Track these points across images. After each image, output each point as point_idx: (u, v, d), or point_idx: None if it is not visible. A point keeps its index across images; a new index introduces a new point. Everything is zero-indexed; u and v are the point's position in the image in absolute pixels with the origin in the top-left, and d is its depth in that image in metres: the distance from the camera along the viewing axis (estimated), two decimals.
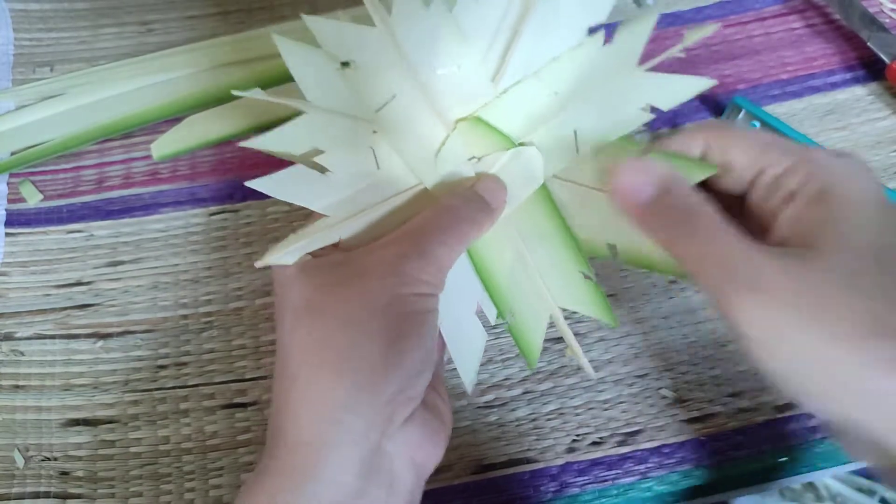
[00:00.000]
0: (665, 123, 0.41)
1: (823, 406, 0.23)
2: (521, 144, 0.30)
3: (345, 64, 0.27)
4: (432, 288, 0.26)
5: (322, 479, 0.23)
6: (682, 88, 0.28)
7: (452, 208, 0.28)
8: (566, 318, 0.30)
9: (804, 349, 0.22)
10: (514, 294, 0.30)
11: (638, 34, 0.28)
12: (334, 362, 0.24)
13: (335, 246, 0.28)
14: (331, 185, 0.28)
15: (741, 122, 0.40)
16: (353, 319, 0.25)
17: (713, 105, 0.42)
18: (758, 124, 0.40)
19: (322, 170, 0.28)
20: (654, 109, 0.28)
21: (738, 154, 0.26)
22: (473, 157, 0.30)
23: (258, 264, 0.27)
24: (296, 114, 0.27)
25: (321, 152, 0.28)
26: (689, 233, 0.24)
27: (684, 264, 0.24)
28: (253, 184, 0.27)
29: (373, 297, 0.25)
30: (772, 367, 0.23)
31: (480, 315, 0.31)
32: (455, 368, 0.30)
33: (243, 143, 0.27)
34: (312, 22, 0.27)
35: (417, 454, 0.26)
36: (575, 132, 0.29)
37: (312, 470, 0.23)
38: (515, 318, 0.30)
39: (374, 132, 0.29)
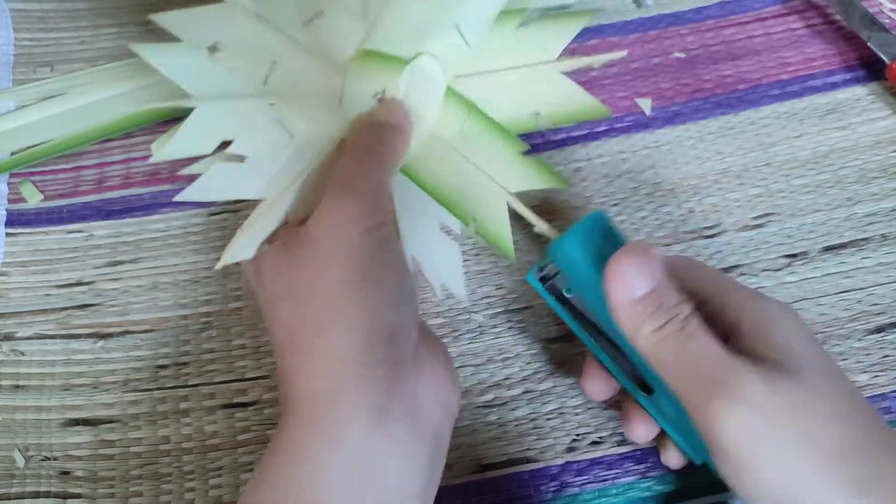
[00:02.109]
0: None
1: None
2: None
3: (212, 48, 0.27)
4: (377, 220, 0.26)
5: (337, 425, 0.23)
6: None
7: (359, 144, 0.28)
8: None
9: (788, 468, 0.22)
10: (467, 199, 0.31)
11: None
12: (322, 335, 0.24)
13: (286, 225, 0.28)
14: (254, 169, 0.28)
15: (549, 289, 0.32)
16: (321, 287, 0.25)
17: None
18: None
19: (240, 158, 0.28)
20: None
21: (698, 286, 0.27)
22: (376, 94, 0.30)
23: (218, 266, 0.27)
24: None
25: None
26: (677, 337, 0.24)
27: (665, 366, 0.24)
28: (182, 196, 0.27)
29: (329, 256, 0.25)
30: (747, 482, 0.23)
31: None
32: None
33: (153, 160, 0.27)
34: (161, 19, 0.25)
35: (440, 389, 0.26)
36: (457, 27, 0.29)
37: (325, 419, 0.23)
38: (478, 221, 0.31)
39: (272, 104, 0.28)
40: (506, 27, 0.30)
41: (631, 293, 0.24)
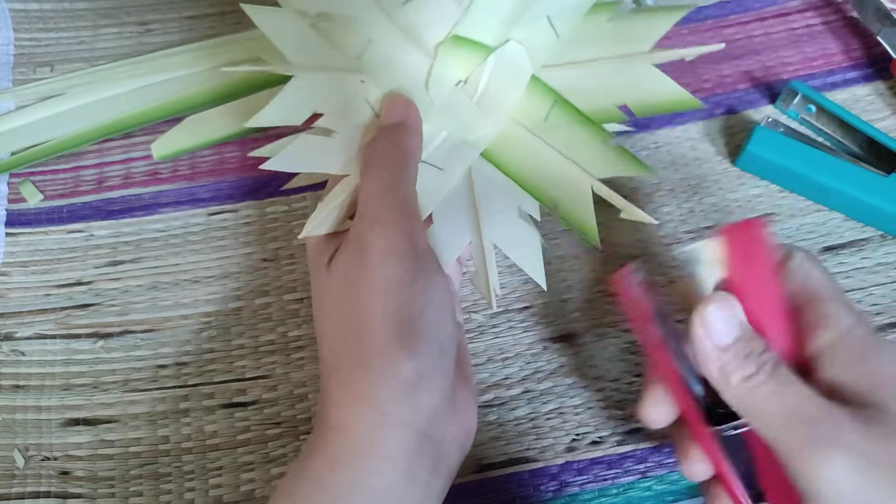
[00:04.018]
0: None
1: None
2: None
3: (318, 17, 0.28)
4: (413, 250, 0.26)
5: (369, 466, 0.25)
6: None
7: (374, 157, 0.28)
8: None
9: None
10: (550, 184, 0.31)
11: None
12: (362, 373, 0.25)
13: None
14: (339, 144, 0.29)
15: (796, 106, 0.40)
16: (362, 310, 0.26)
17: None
18: (813, 108, 0.40)
19: (327, 132, 0.28)
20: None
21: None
22: (459, 81, 0.30)
23: (300, 237, 0.29)
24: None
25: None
26: (768, 384, 0.24)
27: (757, 414, 0.24)
28: (268, 165, 0.28)
29: (374, 293, 0.26)
30: None
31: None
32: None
33: (253, 153, 0.28)
34: None
35: (459, 433, 0.27)
36: (549, 18, 0.30)
37: (360, 458, 0.25)
38: (560, 207, 0.31)
39: (363, 81, 0.29)
40: (597, 20, 0.30)
41: (718, 341, 0.24)
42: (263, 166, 0.28)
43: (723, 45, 0.29)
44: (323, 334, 0.27)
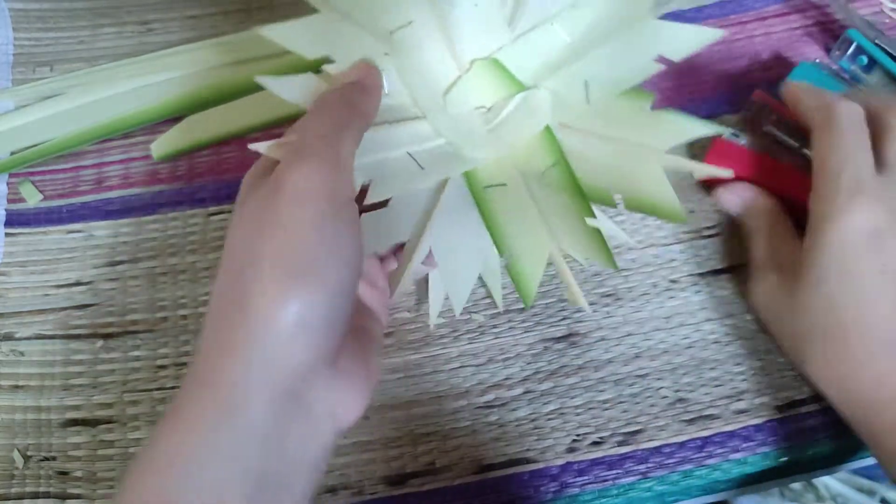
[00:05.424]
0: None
1: None
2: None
3: None
4: (340, 199, 0.25)
5: (235, 423, 0.22)
6: (693, 38, 0.29)
7: (328, 102, 0.27)
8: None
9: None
10: (513, 233, 0.31)
11: None
12: (245, 315, 0.23)
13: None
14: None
15: (850, 57, 0.41)
16: (257, 248, 0.23)
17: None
18: (865, 60, 0.40)
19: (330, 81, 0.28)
20: (664, 61, 0.29)
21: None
22: (482, 107, 0.29)
23: (250, 146, 0.27)
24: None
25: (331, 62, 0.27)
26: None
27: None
28: (265, 81, 0.27)
29: (285, 232, 0.23)
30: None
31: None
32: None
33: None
34: None
35: (339, 408, 0.25)
36: (586, 83, 0.29)
37: (215, 423, 0.22)
38: (513, 258, 0.31)
39: (386, 54, 0.28)
40: (630, 103, 0.29)
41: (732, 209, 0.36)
42: (259, 79, 0.27)
43: (731, 172, 0.31)
44: (217, 276, 0.25)
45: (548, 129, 0.31)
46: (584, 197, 0.30)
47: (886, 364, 0.28)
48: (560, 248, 0.30)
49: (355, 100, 0.28)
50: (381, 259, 0.33)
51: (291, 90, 0.27)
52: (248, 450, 0.22)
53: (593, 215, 0.30)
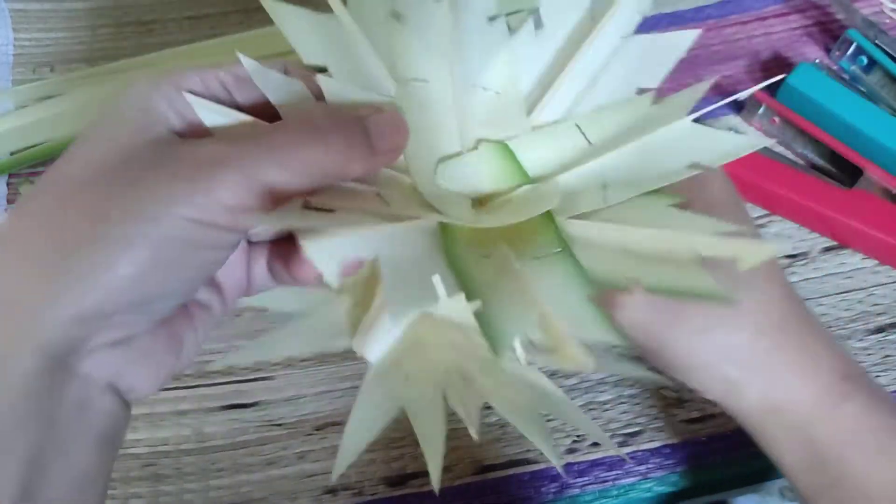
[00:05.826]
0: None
1: None
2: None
3: (395, 14, 0.24)
4: (234, 221, 0.20)
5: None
6: (733, 147, 0.25)
7: (319, 129, 0.21)
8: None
9: None
10: (491, 293, 0.24)
11: (692, 93, 0.26)
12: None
13: None
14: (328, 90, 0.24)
15: (850, 58, 0.41)
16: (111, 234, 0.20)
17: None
18: (865, 60, 0.40)
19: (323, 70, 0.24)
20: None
21: None
22: (474, 194, 0.26)
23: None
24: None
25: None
26: None
27: None
28: (248, 62, 0.24)
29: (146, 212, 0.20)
30: None
31: None
32: None
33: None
34: None
35: (125, 378, 0.21)
36: (605, 186, 0.26)
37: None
38: (483, 316, 0.23)
39: (391, 98, 0.25)
40: (655, 202, 0.25)
41: None
42: None
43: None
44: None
45: (549, 214, 0.26)
46: (586, 278, 0.25)
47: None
48: (542, 308, 0.24)
49: (344, 146, 0.21)
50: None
51: (276, 90, 0.24)
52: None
53: (595, 290, 0.25)
